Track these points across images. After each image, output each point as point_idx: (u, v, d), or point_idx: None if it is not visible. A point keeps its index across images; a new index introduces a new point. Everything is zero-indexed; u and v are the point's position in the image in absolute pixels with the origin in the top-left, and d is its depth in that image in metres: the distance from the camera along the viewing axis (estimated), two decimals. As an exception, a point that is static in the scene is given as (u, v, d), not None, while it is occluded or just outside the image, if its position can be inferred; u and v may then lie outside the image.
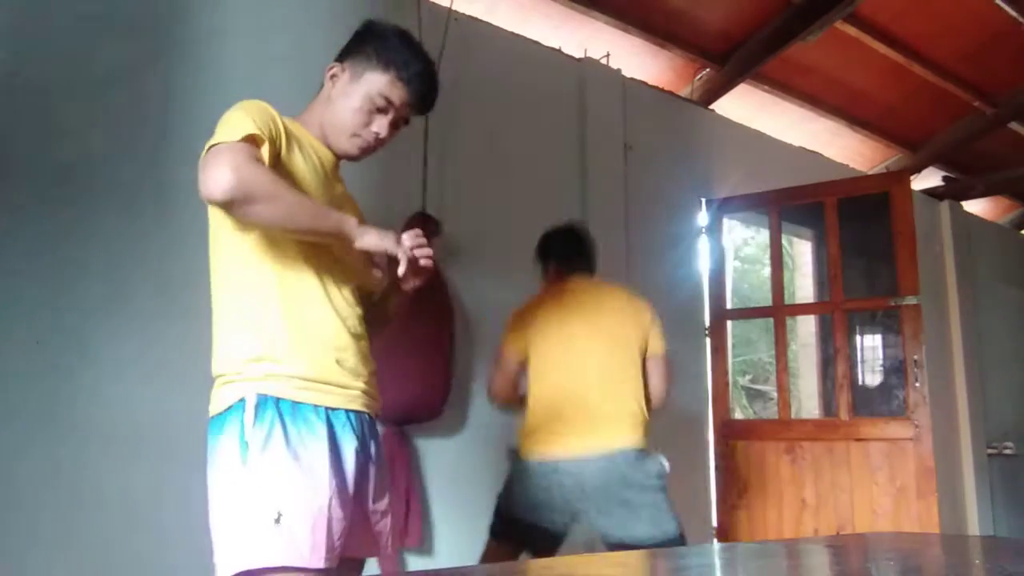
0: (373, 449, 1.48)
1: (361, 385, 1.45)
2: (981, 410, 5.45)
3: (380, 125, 1.51)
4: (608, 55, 3.78)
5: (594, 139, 3.62)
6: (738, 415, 8.55)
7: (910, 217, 3.62)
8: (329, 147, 1.53)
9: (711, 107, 4.35)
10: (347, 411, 1.42)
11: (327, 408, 1.39)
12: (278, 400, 1.34)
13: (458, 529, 2.96)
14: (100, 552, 2.12)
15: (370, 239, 1.39)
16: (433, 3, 3.06)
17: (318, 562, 1.29)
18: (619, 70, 3.80)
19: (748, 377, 11.61)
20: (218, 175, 1.23)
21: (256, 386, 1.35)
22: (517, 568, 1.25)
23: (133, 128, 2.31)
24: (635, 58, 4.02)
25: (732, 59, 4.21)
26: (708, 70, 4.28)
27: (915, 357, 3.52)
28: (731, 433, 3.90)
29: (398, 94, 1.50)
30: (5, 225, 2.08)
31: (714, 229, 4.09)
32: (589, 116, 3.63)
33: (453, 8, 3.06)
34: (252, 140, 1.31)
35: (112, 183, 2.26)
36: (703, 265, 4.09)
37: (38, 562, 2.04)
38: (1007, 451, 5.54)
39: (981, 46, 4.56)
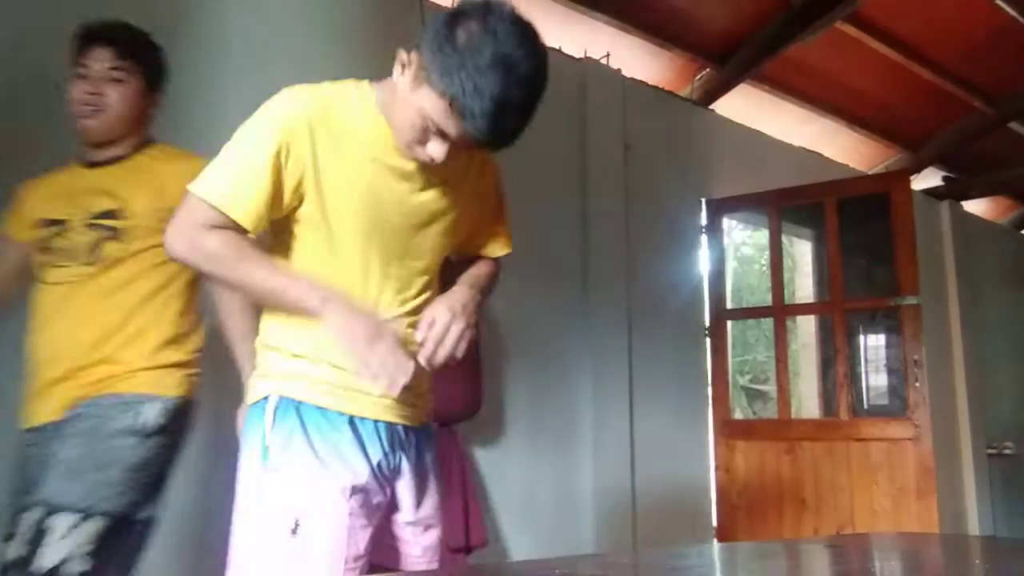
0: (405, 459, 1.38)
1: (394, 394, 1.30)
2: (981, 410, 5.45)
3: (437, 151, 1.23)
4: (608, 55, 3.78)
5: (594, 139, 3.63)
6: (738, 415, 8.55)
7: (910, 217, 3.62)
8: None
9: (711, 107, 4.35)
10: (376, 421, 1.33)
11: (353, 416, 1.31)
12: (299, 404, 1.28)
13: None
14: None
15: (333, 323, 1.23)
16: (435, 3, 3.06)
17: (337, 573, 1.24)
18: (619, 70, 3.80)
19: (748, 377, 11.62)
20: (174, 243, 1.26)
21: (280, 385, 1.30)
22: (515, 568, 1.25)
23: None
24: (635, 58, 4.02)
25: (732, 59, 4.21)
26: (708, 70, 4.28)
27: (915, 357, 3.52)
28: (731, 433, 3.90)
29: (453, 126, 1.18)
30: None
31: (714, 229, 4.09)
32: (589, 116, 3.63)
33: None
34: (223, 210, 1.24)
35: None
36: (703, 265, 4.09)
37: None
38: (1007, 451, 5.54)
39: (981, 46, 4.56)
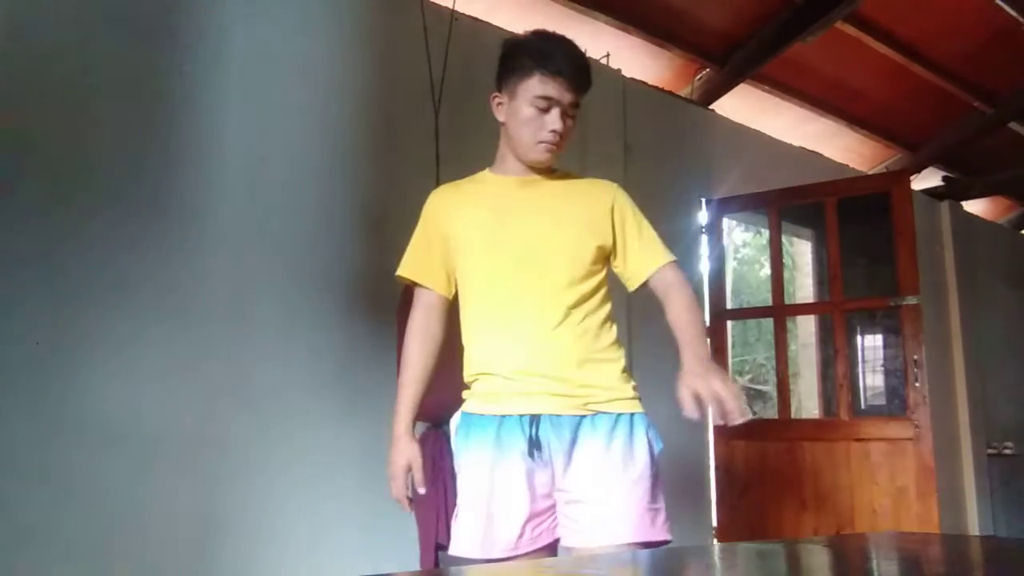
0: (556, 444, 1.57)
1: (535, 388, 1.57)
2: (981, 410, 5.45)
3: (553, 122, 1.60)
4: (608, 55, 3.78)
5: (594, 139, 3.62)
6: (738, 415, 8.53)
7: (910, 217, 3.62)
8: (524, 163, 1.68)
9: (711, 107, 4.35)
10: (521, 415, 1.57)
11: (501, 415, 1.58)
12: (464, 413, 1.64)
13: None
14: (104, 556, 2.12)
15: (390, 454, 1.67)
16: (435, 3, 3.06)
17: (487, 553, 1.52)
18: (619, 70, 3.80)
19: (748, 377, 11.62)
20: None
21: (466, 404, 1.65)
22: (515, 569, 1.25)
23: (133, 130, 2.31)
24: (635, 58, 4.02)
25: (732, 59, 4.21)
26: (708, 70, 4.28)
27: (915, 357, 3.52)
28: (731, 433, 3.90)
29: (552, 88, 1.59)
30: (5, 226, 2.08)
31: (714, 229, 4.09)
32: (589, 116, 3.60)
33: (455, 8, 3.06)
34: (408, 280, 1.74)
35: (113, 184, 2.26)
36: (703, 265, 4.09)
37: (38, 567, 2.04)
38: (1007, 451, 5.54)
39: (981, 46, 4.57)
